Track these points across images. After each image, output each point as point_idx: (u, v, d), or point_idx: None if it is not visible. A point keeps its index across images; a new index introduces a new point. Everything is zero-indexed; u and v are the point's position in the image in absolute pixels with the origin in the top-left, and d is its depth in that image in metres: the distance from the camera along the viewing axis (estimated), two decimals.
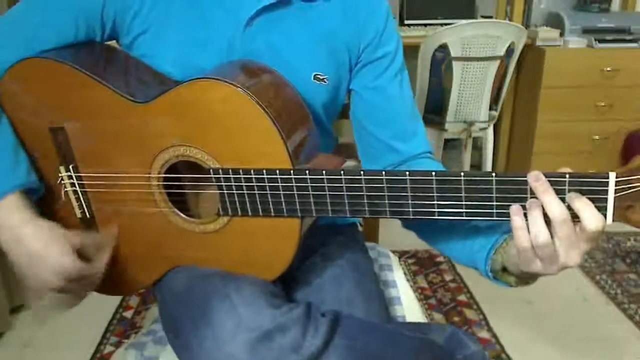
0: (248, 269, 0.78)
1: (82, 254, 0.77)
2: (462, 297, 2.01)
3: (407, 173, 0.67)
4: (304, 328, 0.70)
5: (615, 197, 0.60)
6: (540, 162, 2.76)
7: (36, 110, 0.80)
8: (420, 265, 2.21)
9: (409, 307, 1.00)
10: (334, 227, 0.98)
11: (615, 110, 2.69)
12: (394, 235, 2.09)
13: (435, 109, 2.48)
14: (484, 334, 1.80)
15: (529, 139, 2.78)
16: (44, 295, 0.79)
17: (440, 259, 2.26)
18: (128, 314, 1.91)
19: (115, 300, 1.95)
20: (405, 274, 1.50)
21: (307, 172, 0.70)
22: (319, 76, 0.84)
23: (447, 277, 2.14)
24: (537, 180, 0.61)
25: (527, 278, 0.72)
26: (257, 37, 0.81)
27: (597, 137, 2.73)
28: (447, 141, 2.63)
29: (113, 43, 0.87)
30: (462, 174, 0.65)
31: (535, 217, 0.61)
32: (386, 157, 0.91)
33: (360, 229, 1.09)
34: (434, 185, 0.66)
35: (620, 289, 2.05)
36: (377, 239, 1.28)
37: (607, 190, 0.60)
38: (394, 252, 1.17)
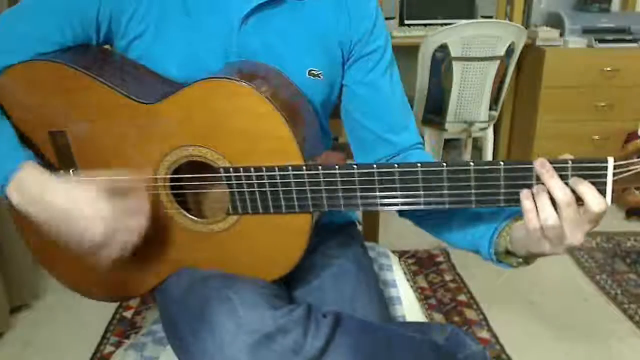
0: (255, 268, 0.78)
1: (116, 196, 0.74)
2: (462, 297, 2.01)
3: (419, 165, 0.69)
4: (304, 329, 0.70)
5: (613, 180, 0.64)
6: None
7: (35, 114, 0.79)
8: (420, 265, 2.21)
9: (409, 307, 1.00)
10: (332, 226, 0.98)
11: (615, 111, 2.69)
12: (394, 235, 2.09)
13: (435, 109, 2.48)
14: (484, 334, 1.80)
15: (529, 139, 2.78)
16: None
17: (440, 258, 2.26)
18: (128, 314, 1.91)
19: None
20: (405, 274, 1.50)
21: (319, 167, 0.71)
22: (313, 72, 0.85)
23: (447, 277, 2.14)
24: (543, 166, 0.65)
25: (529, 258, 0.76)
26: (252, 36, 0.82)
27: (597, 137, 2.74)
28: (447, 141, 2.63)
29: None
30: (472, 163, 0.67)
31: (544, 202, 0.66)
32: (379, 150, 0.92)
33: (359, 227, 1.09)
34: (445, 176, 0.69)
35: (620, 289, 2.05)
36: (377, 239, 1.28)
37: (606, 174, 0.64)
38: (393, 252, 1.17)
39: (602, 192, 0.65)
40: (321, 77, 0.86)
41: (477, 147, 2.96)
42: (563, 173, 0.65)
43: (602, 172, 0.64)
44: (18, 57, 0.77)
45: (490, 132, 2.64)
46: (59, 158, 0.81)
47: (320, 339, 0.70)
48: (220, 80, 0.72)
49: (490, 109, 2.52)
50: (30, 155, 0.75)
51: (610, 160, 0.64)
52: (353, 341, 0.72)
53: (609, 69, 2.62)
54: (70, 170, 0.81)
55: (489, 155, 2.68)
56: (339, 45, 0.87)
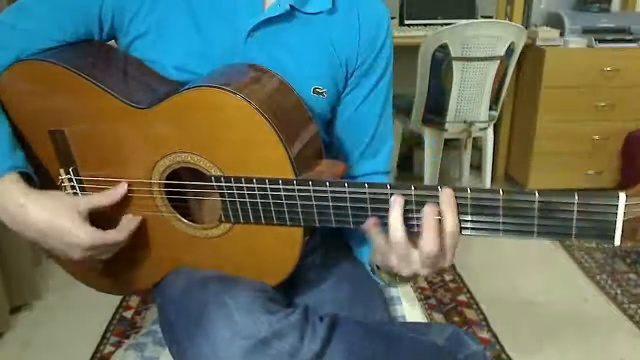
0: (249, 275, 0.78)
1: (99, 219, 0.76)
2: (462, 297, 2.01)
3: (413, 187, 0.66)
4: (301, 333, 0.70)
5: (624, 220, 0.59)
6: (540, 162, 2.76)
7: (35, 112, 0.79)
8: None
9: (409, 307, 1.00)
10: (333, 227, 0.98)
11: (615, 110, 2.69)
12: None
13: (435, 109, 2.47)
14: (484, 334, 1.80)
15: (529, 139, 2.78)
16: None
17: None
18: (128, 314, 1.91)
19: (115, 300, 1.95)
20: None
21: (310, 182, 0.69)
22: (318, 90, 0.84)
23: (447, 277, 2.14)
24: (447, 195, 0.64)
25: (394, 276, 0.76)
26: (258, 50, 0.81)
27: (597, 137, 2.73)
28: (447, 141, 2.63)
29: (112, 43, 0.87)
30: (469, 189, 0.64)
31: (396, 216, 0.65)
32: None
33: None
34: (439, 201, 0.65)
35: (620, 289, 2.05)
36: None
37: (616, 214, 0.59)
38: None
39: (611, 231, 0.59)
40: (325, 95, 0.84)
41: (477, 147, 2.96)
42: (568, 209, 0.60)
43: (612, 211, 0.59)
44: (19, 54, 0.77)
45: (490, 132, 2.63)
46: (59, 156, 0.81)
47: (317, 343, 0.69)
48: (212, 89, 0.71)
49: (490, 109, 2.52)
50: (17, 162, 0.75)
51: (622, 196, 0.58)
52: (350, 344, 0.72)
53: (609, 69, 2.61)
54: (70, 169, 0.81)
55: (489, 156, 2.68)
56: (346, 63, 0.86)
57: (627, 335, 1.80)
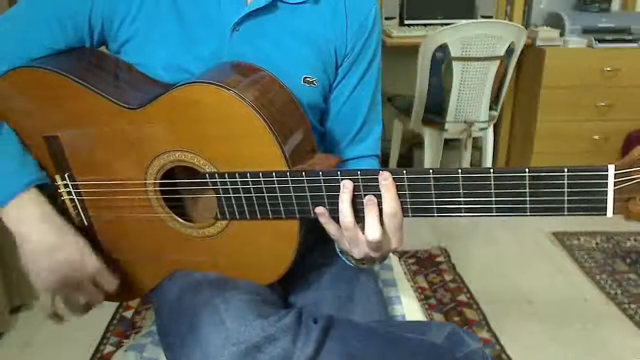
0: (248, 272, 0.78)
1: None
2: (462, 297, 2.01)
3: (404, 172, 0.67)
4: (294, 337, 0.69)
5: (615, 190, 0.60)
6: (540, 162, 2.76)
7: (29, 120, 0.79)
8: (420, 265, 2.21)
9: (409, 307, 1.00)
10: None
11: (615, 110, 2.69)
12: None
13: (435, 109, 2.47)
14: (484, 334, 1.80)
15: (529, 139, 2.78)
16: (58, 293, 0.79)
17: (440, 258, 2.26)
18: (128, 314, 1.91)
19: None
20: (405, 273, 1.50)
21: (303, 173, 0.70)
22: (308, 79, 0.84)
23: (447, 277, 2.14)
24: (385, 179, 0.67)
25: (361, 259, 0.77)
26: (244, 43, 0.81)
27: (597, 137, 2.73)
28: (447, 141, 2.63)
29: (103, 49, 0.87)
30: (460, 170, 0.65)
31: (346, 201, 0.69)
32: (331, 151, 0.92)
33: None
34: (432, 183, 0.66)
35: (620, 289, 2.05)
36: None
37: (606, 183, 0.60)
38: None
39: (603, 202, 0.60)
40: (315, 83, 0.85)
41: (477, 147, 2.96)
42: (559, 181, 0.61)
43: (602, 180, 0.60)
44: (13, 63, 0.77)
45: (490, 132, 2.63)
46: (54, 162, 0.81)
47: (310, 346, 0.69)
48: (202, 85, 0.71)
49: (490, 109, 2.52)
50: (31, 176, 0.77)
51: (611, 168, 0.59)
52: (345, 345, 0.71)
53: (609, 69, 2.61)
54: (66, 175, 0.81)
55: (489, 156, 2.68)
56: (334, 52, 0.86)
57: (627, 335, 1.80)
